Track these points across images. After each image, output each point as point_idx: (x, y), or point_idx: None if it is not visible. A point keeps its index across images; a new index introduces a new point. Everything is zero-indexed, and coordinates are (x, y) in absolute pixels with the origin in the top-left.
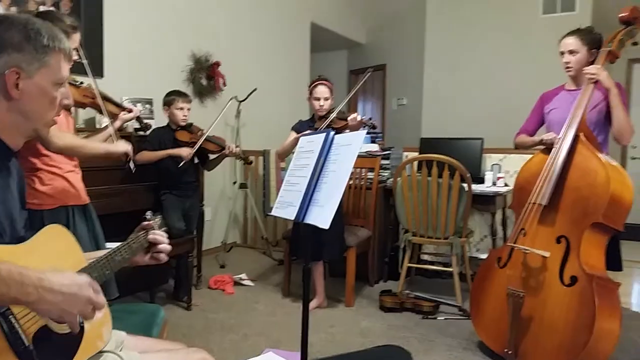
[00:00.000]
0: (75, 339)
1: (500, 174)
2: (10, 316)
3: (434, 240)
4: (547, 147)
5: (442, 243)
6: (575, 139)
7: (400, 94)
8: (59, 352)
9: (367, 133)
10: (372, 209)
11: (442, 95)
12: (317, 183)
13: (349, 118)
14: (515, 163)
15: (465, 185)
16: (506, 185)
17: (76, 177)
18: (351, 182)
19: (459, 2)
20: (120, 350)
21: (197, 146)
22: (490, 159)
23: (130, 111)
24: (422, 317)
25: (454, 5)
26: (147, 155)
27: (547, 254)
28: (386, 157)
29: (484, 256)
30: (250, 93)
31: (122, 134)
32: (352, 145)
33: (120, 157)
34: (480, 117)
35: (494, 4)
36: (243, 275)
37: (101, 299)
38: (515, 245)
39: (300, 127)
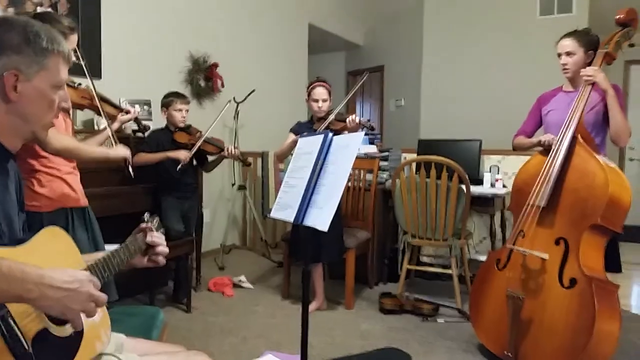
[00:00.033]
0: (74, 342)
1: (499, 175)
2: (10, 319)
3: (433, 242)
4: (545, 149)
5: (441, 245)
6: (573, 140)
7: (399, 95)
8: (58, 355)
9: (366, 134)
10: (371, 211)
11: (440, 96)
12: (316, 185)
13: (347, 120)
14: (513, 164)
15: (463, 186)
16: (505, 186)
17: (75, 179)
18: (350, 183)
19: (456, 4)
20: (120, 353)
21: (195, 149)
22: (488, 161)
23: (128, 112)
24: (422, 320)
25: (451, 6)
26: (144, 158)
27: (546, 256)
28: (385, 159)
29: (483, 258)
30: (249, 94)
31: (120, 135)
32: (350, 147)
33: (118, 162)
34: (478, 119)
35: (492, 6)
36: (242, 278)
37: (102, 295)
38: (514, 247)
39: (298, 129)
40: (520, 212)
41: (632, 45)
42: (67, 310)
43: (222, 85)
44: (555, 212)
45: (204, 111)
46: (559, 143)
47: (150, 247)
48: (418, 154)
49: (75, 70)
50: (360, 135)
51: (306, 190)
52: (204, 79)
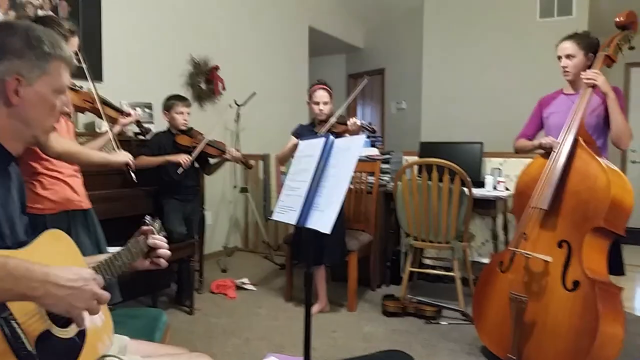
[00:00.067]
0: (77, 343)
1: (501, 178)
2: (13, 321)
3: (436, 244)
4: (547, 152)
5: (443, 247)
6: (575, 143)
7: (399, 98)
8: (61, 356)
9: (367, 137)
10: (373, 213)
11: (441, 99)
12: (318, 187)
13: (348, 122)
14: (515, 167)
15: (465, 189)
16: (507, 189)
17: (77, 182)
18: (352, 186)
19: (456, 7)
20: (123, 355)
21: (196, 153)
22: (490, 163)
23: (129, 115)
24: (425, 322)
25: (451, 9)
26: (145, 160)
27: (549, 259)
28: (386, 161)
29: (485, 260)
30: (250, 97)
31: (121, 138)
32: (351, 150)
33: (120, 167)
34: (479, 121)
35: (491, 8)
36: (245, 280)
37: (105, 293)
38: (516, 249)
39: (300, 132)
40: (522, 214)
41: (632, 48)
42: (71, 308)
43: (223, 88)
44: (558, 214)
45: (205, 114)
46: (560, 146)
47: (152, 250)
48: (420, 157)
49: (77, 73)
50: (362, 138)
51: (308, 193)
52: (205, 81)
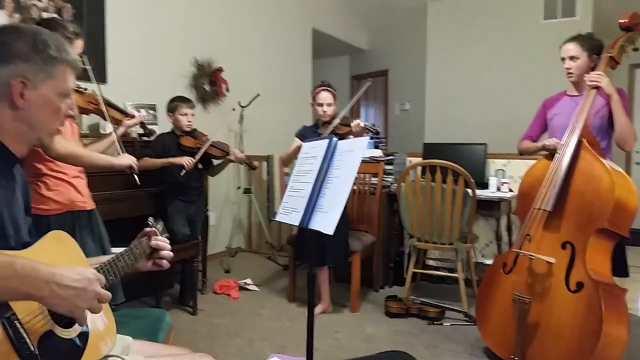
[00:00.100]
0: (79, 344)
1: (505, 179)
2: (16, 321)
3: (439, 245)
4: (551, 153)
5: (447, 248)
6: (579, 144)
7: (403, 99)
8: (63, 357)
9: (370, 138)
10: (376, 214)
11: (445, 100)
12: (321, 189)
13: (352, 124)
14: (519, 168)
15: (469, 190)
16: (510, 190)
17: (82, 183)
18: (355, 187)
19: (460, 8)
20: (126, 355)
21: (199, 155)
22: (494, 164)
23: (133, 117)
24: (428, 323)
25: (455, 10)
26: (148, 162)
27: (552, 260)
28: (390, 163)
29: (489, 262)
30: (253, 99)
31: (126, 139)
32: (355, 151)
33: (124, 170)
34: (483, 122)
35: (495, 10)
36: (248, 280)
37: (106, 293)
38: (520, 251)
39: (303, 133)
40: (526, 216)
41: (636, 50)
42: (74, 308)
43: (227, 90)
44: (562, 216)
45: (209, 115)
46: (564, 147)
47: (154, 251)
48: (423, 158)
49: (81, 75)
50: (365, 140)
51: (311, 194)
52: (208, 83)
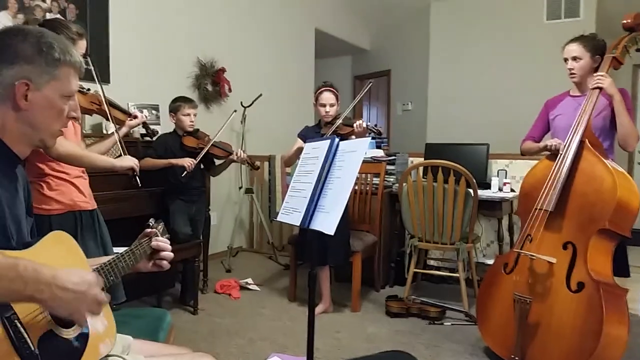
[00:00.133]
0: (79, 344)
1: (507, 179)
2: (16, 320)
3: (440, 245)
4: (553, 153)
5: (448, 248)
6: (581, 145)
7: (405, 100)
8: (63, 357)
9: (372, 138)
10: (378, 214)
11: (447, 100)
12: (323, 189)
13: (354, 124)
14: (521, 169)
15: (471, 190)
16: (512, 190)
17: (84, 183)
18: (357, 187)
19: (463, 8)
20: (127, 355)
21: (200, 155)
22: (496, 165)
23: (136, 117)
24: (429, 323)
25: (458, 11)
26: (150, 162)
27: (553, 260)
28: (391, 163)
29: (490, 262)
30: (256, 99)
31: (128, 139)
32: (357, 152)
33: (125, 172)
34: (485, 122)
35: (498, 10)
36: (249, 280)
37: (106, 297)
38: (521, 251)
39: (306, 133)
40: (528, 216)
41: (639, 50)
42: (74, 311)
43: (230, 90)
44: (563, 216)
45: (211, 115)
46: (566, 147)
47: (155, 252)
48: (425, 158)
49: (84, 75)
50: (367, 140)
51: (313, 194)
52: (211, 83)
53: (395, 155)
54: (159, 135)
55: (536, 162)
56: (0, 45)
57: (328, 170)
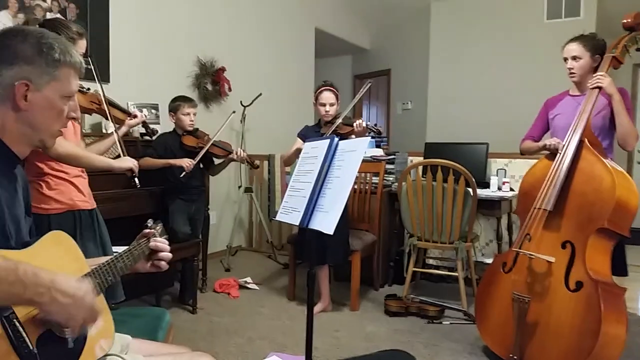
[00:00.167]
0: (78, 342)
1: (506, 178)
2: (15, 320)
3: (439, 244)
4: (552, 152)
5: (447, 247)
6: (580, 144)
7: (405, 99)
8: (62, 356)
9: (372, 138)
10: (377, 214)
11: (447, 99)
12: (322, 189)
13: (354, 124)
14: (520, 168)
15: (470, 189)
16: (512, 190)
17: (83, 182)
18: (356, 186)
19: (463, 7)
20: (126, 354)
21: (199, 156)
22: (495, 164)
23: (135, 117)
24: (427, 322)
25: (458, 10)
26: (149, 162)
27: (552, 259)
28: (391, 162)
29: (489, 261)
30: (255, 98)
31: (128, 139)
32: (356, 152)
33: (125, 173)
34: (485, 122)
35: (498, 9)
36: (248, 279)
37: (100, 309)
38: (520, 250)
39: (306, 133)
40: (526, 215)
41: (639, 50)
42: (71, 317)
43: (229, 89)
44: (562, 215)
45: (211, 115)
46: (565, 147)
47: (153, 252)
48: (425, 157)
49: (85, 74)
50: (366, 140)
51: (312, 194)
52: (211, 83)
53: (394, 155)
54: (158, 134)
55: (535, 161)
56: (0, 45)
57: (327, 170)
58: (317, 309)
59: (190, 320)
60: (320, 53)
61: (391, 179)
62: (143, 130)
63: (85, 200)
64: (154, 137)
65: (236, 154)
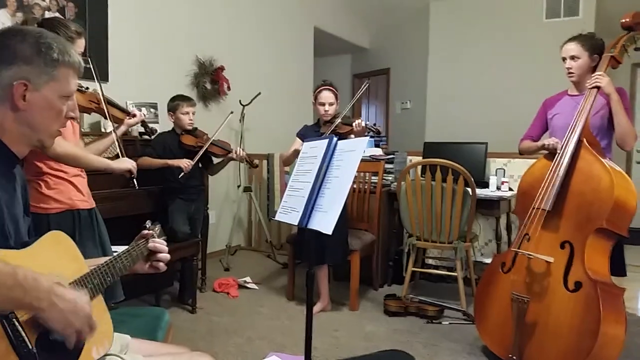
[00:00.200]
0: (77, 343)
1: (505, 178)
2: (14, 320)
3: (438, 244)
4: (551, 152)
5: (446, 247)
6: (579, 144)
7: (404, 98)
8: (62, 356)
9: (371, 137)
10: (376, 213)
11: (446, 99)
12: (321, 189)
13: (353, 124)
14: (519, 167)
15: (469, 189)
16: (510, 189)
17: (82, 182)
18: (355, 186)
19: (462, 7)
20: (125, 354)
21: (198, 156)
22: (494, 164)
23: (134, 116)
24: (427, 322)
25: (457, 10)
26: (148, 162)
27: (551, 260)
28: (390, 161)
29: (488, 261)
30: (255, 97)
31: (126, 138)
32: (355, 152)
33: (123, 174)
34: (484, 121)
35: (498, 9)
36: (247, 279)
37: (94, 322)
38: (519, 250)
39: (305, 132)
40: (525, 215)
41: (638, 49)
42: (68, 325)
43: (228, 88)
44: (561, 215)
45: (210, 114)
46: (564, 146)
47: (152, 253)
48: (424, 157)
49: (83, 73)
50: (365, 140)
51: (311, 193)
52: (210, 82)
53: (393, 154)
54: (157, 133)
55: (534, 161)
56: None
57: (326, 170)
58: (316, 308)
59: (189, 320)
60: (319, 52)
61: (390, 178)
62: (142, 130)
63: (84, 199)
64: (152, 137)
65: (235, 153)
